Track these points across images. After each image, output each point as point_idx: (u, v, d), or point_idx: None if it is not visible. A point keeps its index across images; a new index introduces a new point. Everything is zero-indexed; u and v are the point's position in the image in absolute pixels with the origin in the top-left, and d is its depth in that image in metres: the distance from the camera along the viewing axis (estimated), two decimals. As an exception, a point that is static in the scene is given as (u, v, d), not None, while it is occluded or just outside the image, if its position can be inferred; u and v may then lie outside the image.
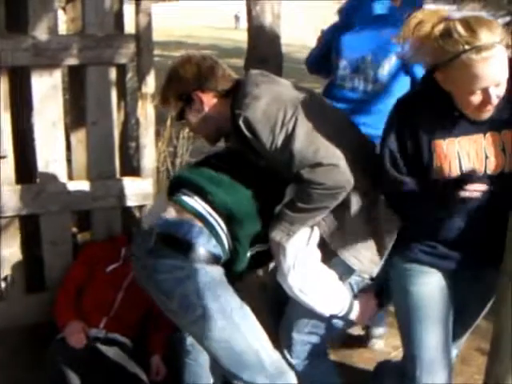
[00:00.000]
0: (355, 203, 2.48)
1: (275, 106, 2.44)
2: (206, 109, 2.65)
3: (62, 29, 3.89)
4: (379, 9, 3.48)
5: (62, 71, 3.62)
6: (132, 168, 4.13)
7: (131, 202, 3.81)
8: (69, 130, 3.89)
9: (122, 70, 3.85)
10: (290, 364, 2.70)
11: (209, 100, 2.64)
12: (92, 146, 3.73)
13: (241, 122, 2.44)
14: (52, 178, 3.63)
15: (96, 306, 3.44)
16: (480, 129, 2.29)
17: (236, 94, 2.57)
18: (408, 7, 3.70)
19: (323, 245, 2.55)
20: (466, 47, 2.09)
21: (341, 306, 2.63)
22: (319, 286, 2.56)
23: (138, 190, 3.79)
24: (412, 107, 2.38)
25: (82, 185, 3.73)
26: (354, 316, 2.67)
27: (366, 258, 2.56)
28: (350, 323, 2.80)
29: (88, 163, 3.80)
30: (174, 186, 2.68)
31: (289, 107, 2.44)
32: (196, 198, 2.54)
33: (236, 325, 2.47)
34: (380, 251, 2.55)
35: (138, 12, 3.65)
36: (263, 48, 3.87)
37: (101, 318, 3.40)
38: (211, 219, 2.49)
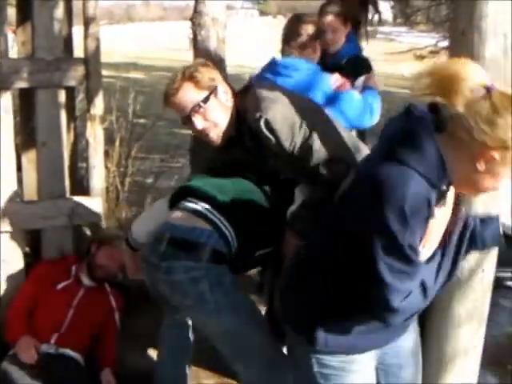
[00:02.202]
0: None
1: (291, 109, 2.66)
2: (229, 101, 2.77)
3: (13, 52, 3.96)
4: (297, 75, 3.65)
5: (12, 94, 3.70)
6: (82, 187, 4.21)
7: (81, 220, 3.90)
8: (19, 150, 3.96)
9: (71, 92, 3.95)
10: None
11: (230, 95, 2.78)
12: (42, 166, 3.81)
13: (262, 124, 2.61)
14: (3, 198, 3.69)
15: (47, 323, 3.50)
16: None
17: (245, 98, 2.75)
18: (344, 54, 3.93)
19: None
20: None
21: None
22: None
23: (88, 209, 3.88)
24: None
25: (33, 204, 3.81)
26: None
27: None
28: None
29: (38, 183, 3.87)
30: (180, 195, 2.85)
31: (303, 110, 2.68)
32: (203, 204, 2.72)
33: (242, 318, 2.71)
34: None
35: (86, 36, 3.77)
36: (208, 71, 4.00)
37: (52, 334, 3.46)
38: (219, 223, 2.69)
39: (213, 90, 2.72)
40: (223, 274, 2.69)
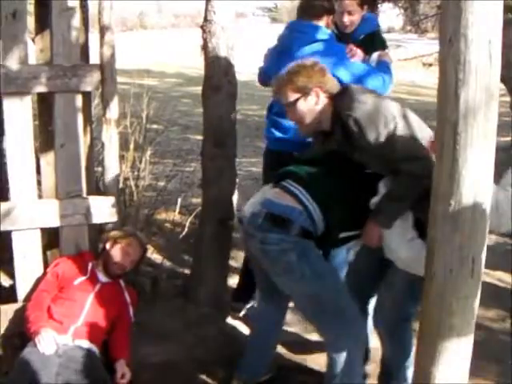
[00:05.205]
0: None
1: (377, 111, 3.09)
2: (319, 104, 3.24)
3: (32, 58, 4.12)
4: (319, 35, 3.86)
5: (31, 98, 3.87)
6: (98, 188, 4.36)
7: (97, 219, 4.06)
8: (38, 152, 4.11)
9: (87, 97, 4.11)
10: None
11: (323, 98, 3.24)
12: (60, 167, 3.97)
13: (351, 121, 3.08)
14: (23, 197, 3.86)
15: (65, 316, 3.63)
16: None
17: (341, 99, 3.20)
18: (362, 32, 4.11)
19: (417, 224, 3.12)
20: None
21: None
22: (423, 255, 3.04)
23: (104, 209, 4.04)
24: None
25: (51, 203, 3.96)
26: None
27: None
28: None
29: (56, 183, 4.02)
30: (282, 176, 3.34)
31: (388, 113, 3.09)
32: (298, 186, 3.21)
33: (326, 284, 3.19)
34: None
35: (102, 44, 3.93)
36: (217, 77, 4.15)
37: (69, 327, 3.59)
38: (309, 204, 3.16)
39: (303, 95, 3.21)
40: (309, 247, 3.15)
